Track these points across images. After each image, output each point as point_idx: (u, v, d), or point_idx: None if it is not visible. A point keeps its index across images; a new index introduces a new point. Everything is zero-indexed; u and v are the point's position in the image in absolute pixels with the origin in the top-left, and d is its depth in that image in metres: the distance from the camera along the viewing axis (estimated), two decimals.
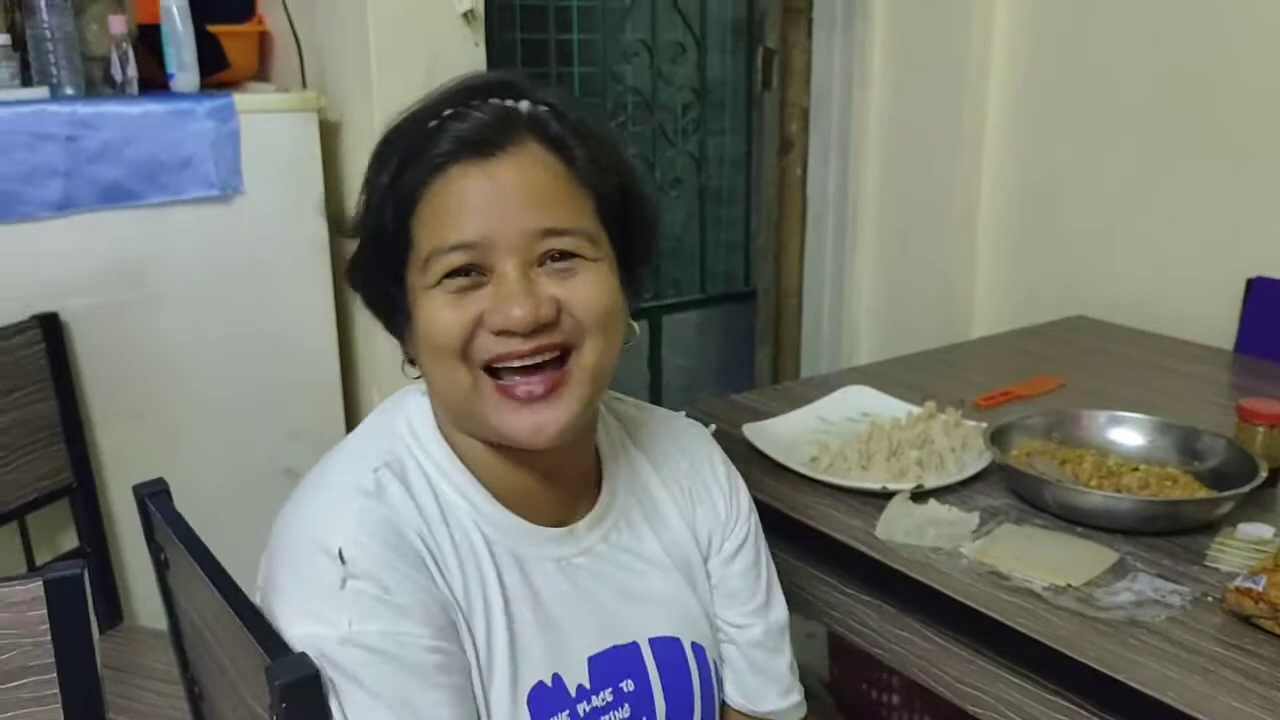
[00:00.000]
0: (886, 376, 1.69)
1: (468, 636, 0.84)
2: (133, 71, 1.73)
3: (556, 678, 0.88)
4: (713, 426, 1.12)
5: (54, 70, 1.68)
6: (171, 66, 1.79)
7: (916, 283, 2.53)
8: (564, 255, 0.82)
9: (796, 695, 1.05)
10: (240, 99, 1.78)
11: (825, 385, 1.64)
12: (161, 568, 1.01)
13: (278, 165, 1.82)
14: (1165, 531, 1.18)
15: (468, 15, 1.83)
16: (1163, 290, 2.08)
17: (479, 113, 0.82)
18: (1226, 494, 1.18)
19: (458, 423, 0.87)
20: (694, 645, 0.97)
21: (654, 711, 0.93)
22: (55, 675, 0.86)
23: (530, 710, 0.86)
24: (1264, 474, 1.20)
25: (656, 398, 2.69)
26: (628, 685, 0.91)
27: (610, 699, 0.90)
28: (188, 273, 1.77)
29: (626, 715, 0.91)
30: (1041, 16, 2.28)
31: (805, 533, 1.25)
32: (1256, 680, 0.94)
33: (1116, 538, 1.18)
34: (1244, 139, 1.94)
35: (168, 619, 1.05)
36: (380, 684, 0.77)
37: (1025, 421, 1.37)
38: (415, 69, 1.80)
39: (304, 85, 1.94)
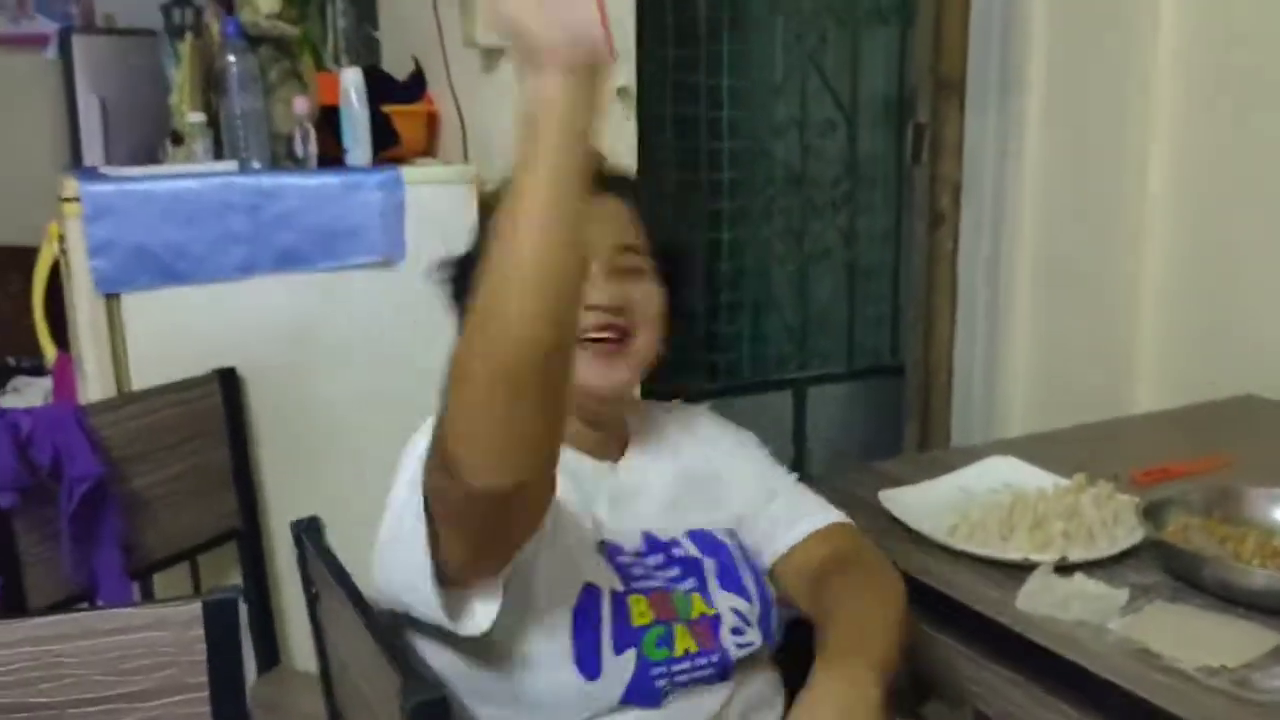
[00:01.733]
0: (1037, 449, 1.63)
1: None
2: (313, 147, 1.87)
3: (610, 542, 1.11)
4: (707, 404, 1.41)
5: (243, 145, 1.83)
6: (347, 142, 1.92)
7: (1073, 359, 2.45)
8: (633, 272, 1.14)
9: (838, 512, 1.26)
10: (407, 171, 1.89)
11: (971, 455, 1.60)
12: (313, 601, 1.07)
13: (438, 232, 1.91)
14: None
15: (621, 91, 1.90)
16: None
17: None
18: None
19: None
20: (726, 530, 1.21)
21: (702, 573, 1.13)
22: (208, 694, 0.92)
23: (608, 555, 1.09)
24: None
25: (801, 469, 2.67)
26: (675, 551, 1.15)
27: (660, 561, 1.13)
28: (353, 333, 1.88)
29: (676, 573, 1.12)
30: (1205, 81, 2.21)
31: (943, 602, 1.22)
32: None
33: (1277, 621, 1.11)
34: None
35: (317, 654, 1.10)
36: None
37: (1184, 497, 1.31)
38: None
39: (465, 159, 2.04)
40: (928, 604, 1.23)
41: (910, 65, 2.50)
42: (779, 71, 2.43)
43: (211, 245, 1.76)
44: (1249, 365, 2.12)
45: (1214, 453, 1.65)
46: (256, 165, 1.84)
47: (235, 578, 1.81)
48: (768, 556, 1.24)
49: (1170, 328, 2.34)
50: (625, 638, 1.04)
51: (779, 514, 1.25)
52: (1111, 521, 1.31)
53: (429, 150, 2.25)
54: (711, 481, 1.26)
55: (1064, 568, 1.22)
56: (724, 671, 1.10)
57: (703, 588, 1.12)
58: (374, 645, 0.82)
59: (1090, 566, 1.23)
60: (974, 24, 2.44)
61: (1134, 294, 2.38)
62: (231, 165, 1.81)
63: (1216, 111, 2.19)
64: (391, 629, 0.88)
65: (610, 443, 1.22)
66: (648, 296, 1.15)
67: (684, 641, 1.06)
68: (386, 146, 2.05)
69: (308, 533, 1.05)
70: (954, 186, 2.52)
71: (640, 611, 1.05)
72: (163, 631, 0.90)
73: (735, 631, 1.12)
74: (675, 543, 1.16)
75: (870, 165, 2.63)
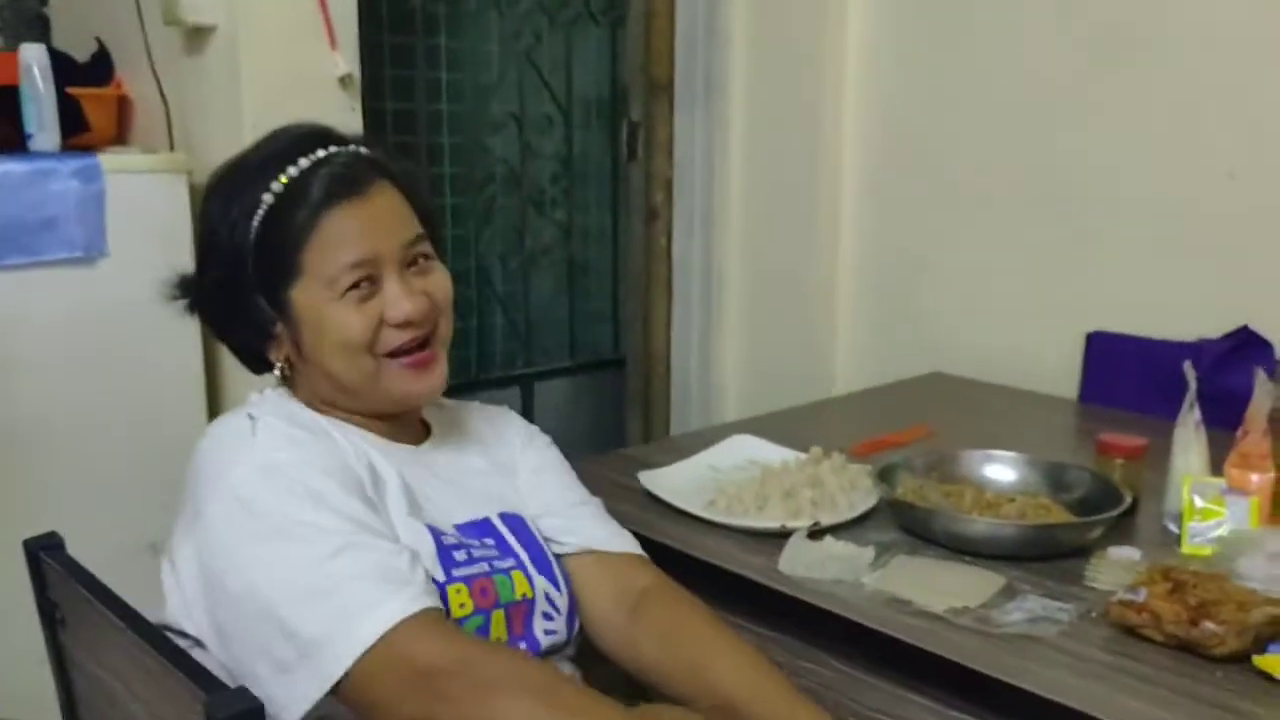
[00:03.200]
0: (764, 429, 1.74)
1: (367, 485, 1.01)
2: None
3: (432, 525, 1.05)
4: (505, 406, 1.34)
5: None
6: (31, 126, 1.73)
7: (779, 347, 2.62)
8: (422, 258, 1.07)
9: (630, 543, 1.21)
10: (106, 159, 1.73)
11: (710, 438, 1.68)
12: (55, 627, 0.95)
13: (144, 227, 1.77)
14: (1043, 556, 1.25)
15: (344, 80, 1.83)
16: (1011, 347, 2.22)
17: (340, 160, 1.04)
18: (1098, 518, 1.26)
19: (348, 396, 1.06)
20: (532, 521, 1.17)
21: (516, 554, 1.11)
22: None
23: (431, 535, 1.03)
24: (1129, 500, 1.30)
25: None
26: (488, 542, 1.10)
27: (478, 543, 1.09)
28: (48, 338, 1.69)
29: (495, 553, 1.09)
30: (891, 89, 2.43)
31: (709, 572, 1.27)
32: (1147, 681, 1.00)
33: (1000, 564, 1.24)
34: (1078, 204, 2.11)
35: (58, 685, 0.99)
36: (298, 486, 0.94)
37: (908, 462, 1.43)
38: None
39: (171, 148, 1.89)
40: (695, 575, 1.27)
41: (622, 65, 2.57)
42: (496, 67, 2.43)
43: None
44: (934, 347, 2.36)
45: (914, 424, 1.83)
46: None
47: None
48: (557, 549, 1.19)
49: (865, 314, 2.55)
50: None
51: (579, 516, 1.21)
52: (849, 488, 1.42)
53: (120, 138, 2.07)
54: (513, 477, 1.22)
55: (815, 532, 1.30)
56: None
57: (521, 565, 1.10)
58: (164, 663, 0.74)
59: (837, 529, 1.33)
60: (680, 28, 2.56)
61: (831, 284, 2.57)
62: None
63: (905, 112, 2.41)
64: (172, 646, 0.80)
65: (406, 429, 1.16)
66: (440, 283, 1.09)
67: (498, 630, 1.04)
68: (75, 133, 1.86)
69: (48, 550, 0.93)
70: (666, 183, 2.63)
71: (460, 603, 1.02)
72: None
73: (545, 617, 1.10)
74: (489, 522, 1.13)
75: (585, 163, 2.68)
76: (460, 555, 1.04)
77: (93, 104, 1.94)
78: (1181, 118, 1.96)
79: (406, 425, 1.15)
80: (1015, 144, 2.20)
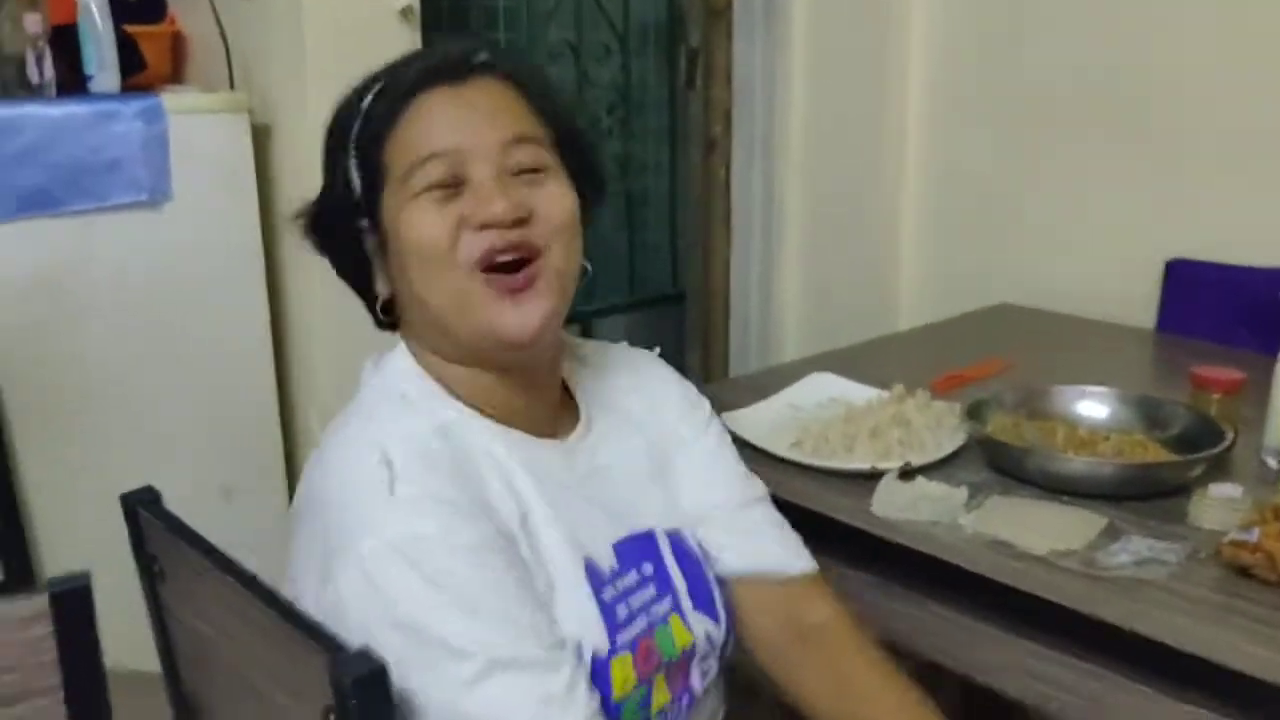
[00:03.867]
0: (835, 365, 1.70)
1: (519, 536, 0.87)
2: (51, 72, 1.64)
3: (590, 561, 0.90)
4: (657, 349, 1.17)
5: None
6: (90, 67, 1.70)
7: (842, 278, 2.57)
8: (531, 170, 0.89)
9: (804, 558, 1.07)
10: (168, 99, 1.70)
11: (788, 375, 1.65)
12: (154, 581, 0.95)
13: (208, 169, 1.74)
14: (1143, 495, 1.22)
15: (405, 12, 1.78)
16: (1083, 275, 2.16)
17: (443, 49, 0.91)
18: (1199, 455, 1.22)
19: (447, 337, 0.91)
20: (691, 533, 1.03)
21: (675, 590, 0.97)
22: (63, 698, 0.80)
23: (592, 584, 0.89)
24: (1230, 436, 1.25)
25: None
26: (646, 568, 0.95)
27: (633, 583, 0.93)
28: (114, 285, 1.68)
29: (652, 594, 0.94)
30: (958, 13, 2.34)
31: (799, 515, 1.25)
32: (1263, 623, 0.97)
33: (1098, 503, 1.21)
34: (1159, 128, 2.03)
35: (157, 639, 0.98)
36: (442, 580, 0.79)
37: (997, 398, 1.40)
38: (352, 69, 1.73)
39: (231, 87, 1.86)
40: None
41: None
42: None
43: None
44: (1002, 278, 2.30)
45: (989, 357, 1.79)
46: None
47: None
48: (721, 569, 1.04)
49: (929, 245, 2.50)
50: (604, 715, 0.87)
51: (749, 528, 1.05)
52: (935, 426, 1.39)
53: (175, 77, 2.03)
54: (670, 465, 1.04)
55: (906, 473, 1.27)
56: (688, 708, 0.98)
57: (678, 606, 0.96)
58: (277, 619, 0.73)
59: (926, 469, 1.30)
60: None
61: (895, 214, 2.52)
62: None
63: (975, 31, 2.32)
64: (285, 602, 0.78)
65: (551, 411, 0.98)
66: (555, 200, 0.89)
67: (660, 697, 0.93)
68: (132, 72, 1.83)
69: (145, 505, 0.92)
70: (725, 113, 2.56)
71: (624, 678, 0.88)
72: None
73: (702, 659, 0.98)
74: (652, 539, 0.97)
75: (643, 92, 2.62)
76: (622, 611, 0.90)
77: (148, 42, 1.90)
78: (1276, 35, 1.87)
79: (548, 406, 0.97)
80: (1093, 63, 2.11)
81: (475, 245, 0.86)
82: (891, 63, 2.41)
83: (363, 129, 0.89)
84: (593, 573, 0.90)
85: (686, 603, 0.97)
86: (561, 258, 0.90)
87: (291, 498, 1.07)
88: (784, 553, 1.06)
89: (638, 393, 1.07)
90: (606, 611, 0.88)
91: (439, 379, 0.93)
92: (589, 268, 0.96)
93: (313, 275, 1.79)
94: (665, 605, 0.95)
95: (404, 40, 1.79)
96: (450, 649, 0.78)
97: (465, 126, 0.87)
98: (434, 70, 0.89)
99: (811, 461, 1.31)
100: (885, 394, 1.49)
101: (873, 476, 1.26)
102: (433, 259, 0.87)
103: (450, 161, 0.87)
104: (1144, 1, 2.03)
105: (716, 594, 1.01)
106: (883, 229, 2.52)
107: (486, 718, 0.78)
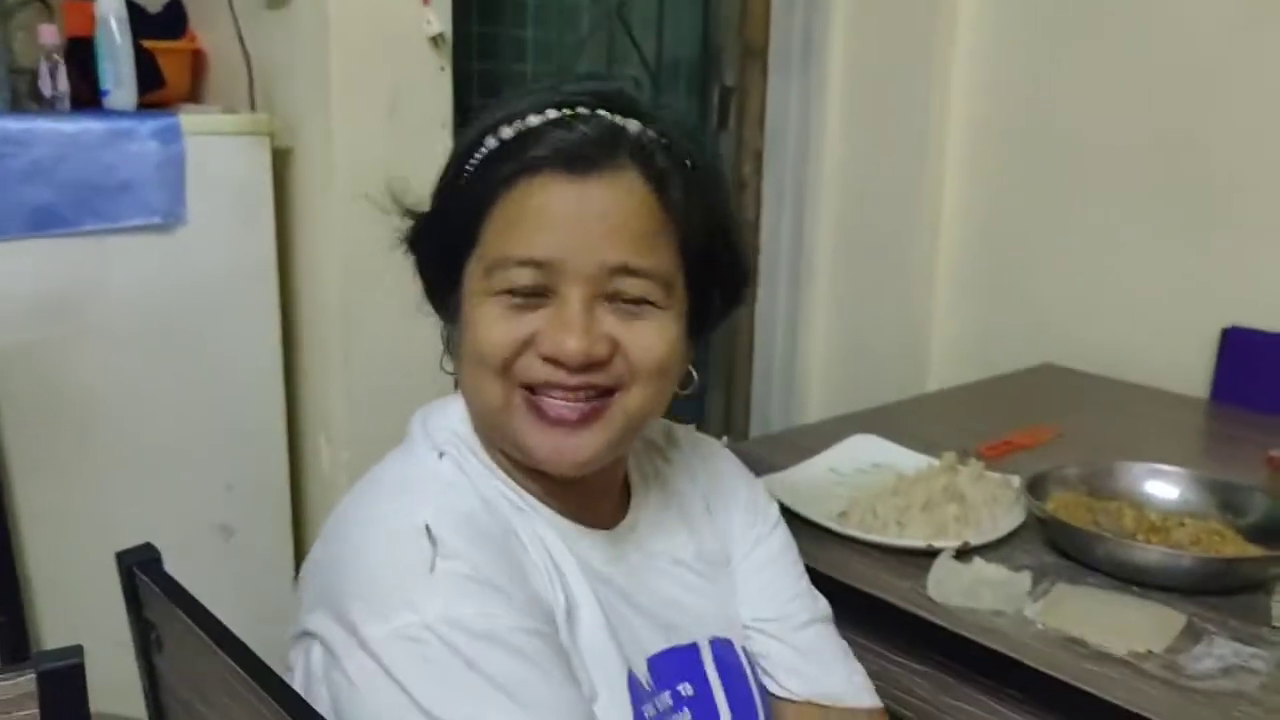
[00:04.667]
0: (871, 425, 1.60)
1: (563, 630, 0.78)
2: (64, 86, 1.56)
3: (632, 674, 0.81)
4: (725, 439, 1.06)
5: None
6: (106, 82, 1.62)
7: (872, 330, 2.48)
8: (633, 301, 0.77)
9: (870, 692, 0.96)
10: (186, 118, 1.62)
11: (825, 434, 1.55)
12: (150, 650, 0.85)
13: (225, 194, 1.66)
14: (1222, 591, 1.13)
15: (436, 39, 1.71)
16: (1132, 340, 2.07)
17: (584, 125, 0.76)
18: None
19: (486, 432, 0.83)
20: (743, 648, 0.93)
21: (718, 716, 0.86)
22: None
23: (632, 700, 0.79)
24: None
25: None
26: (685, 689, 0.85)
27: (670, 703, 0.83)
28: (120, 310, 1.60)
29: (688, 717, 0.84)
30: (1003, 62, 2.27)
31: (846, 594, 1.15)
32: None
33: (1171, 597, 1.12)
34: (1215, 190, 1.96)
35: (150, 711, 0.89)
36: (483, 666, 0.69)
37: (1059, 473, 1.30)
38: (378, 94, 1.67)
39: (252, 108, 1.78)
40: (829, 596, 1.15)
41: (716, 26, 2.43)
42: (585, 25, 2.29)
43: None
44: (1042, 337, 2.21)
45: (1036, 423, 1.70)
46: None
47: None
48: (774, 689, 0.95)
49: (965, 300, 2.41)
50: None
51: (809, 646, 0.95)
52: (992, 500, 1.30)
53: (194, 95, 1.96)
54: (724, 568, 0.94)
55: (963, 552, 1.18)
56: None
57: None
58: (261, 693, 0.64)
59: (984, 549, 1.21)
60: None
61: (930, 266, 2.43)
62: None
63: (1019, 81, 2.25)
64: (292, 696, 0.69)
65: (605, 502, 0.88)
66: (649, 338, 0.77)
67: None
68: (150, 89, 1.75)
69: (143, 566, 0.83)
70: (756, 154, 2.49)
71: None
72: None
73: None
74: (695, 652, 0.87)
75: None
76: (649, 711, 0.81)
77: (167, 58, 1.83)
78: None
79: (597, 493, 0.87)
80: (1145, 119, 2.04)
81: (536, 372, 0.76)
82: (932, 108, 2.34)
83: (474, 179, 0.78)
84: (634, 687, 0.80)
85: None
86: (640, 399, 0.78)
87: (295, 532, 0.96)
88: (847, 682, 0.95)
89: (701, 485, 0.97)
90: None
91: (489, 447, 0.83)
92: (695, 374, 0.86)
93: (328, 307, 1.71)
94: None
95: (433, 67, 1.71)
96: None
97: (572, 237, 0.74)
98: (564, 152, 0.75)
99: (862, 535, 1.22)
100: (933, 461, 1.40)
101: (929, 555, 1.17)
102: (485, 368, 0.77)
103: (543, 272, 0.75)
104: (1195, 55, 1.95)
105: (761, 714, 0.90)
106: (917, 281, 2.43)
107: None
